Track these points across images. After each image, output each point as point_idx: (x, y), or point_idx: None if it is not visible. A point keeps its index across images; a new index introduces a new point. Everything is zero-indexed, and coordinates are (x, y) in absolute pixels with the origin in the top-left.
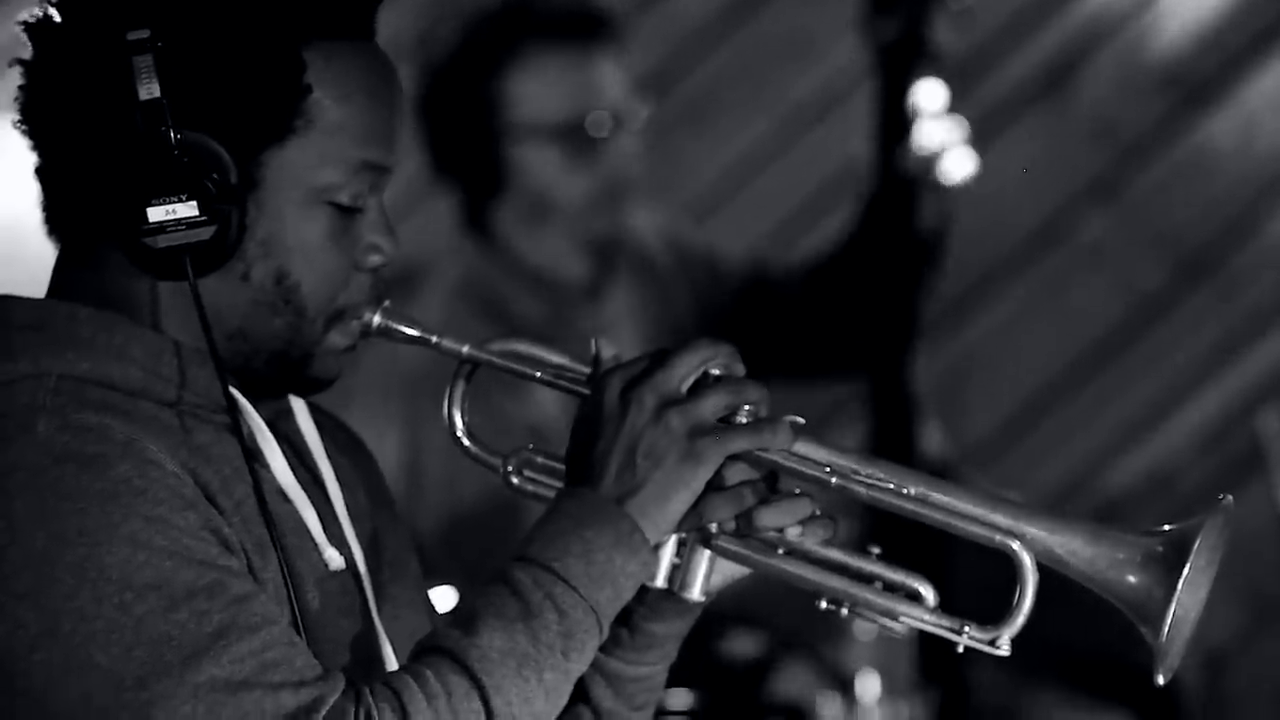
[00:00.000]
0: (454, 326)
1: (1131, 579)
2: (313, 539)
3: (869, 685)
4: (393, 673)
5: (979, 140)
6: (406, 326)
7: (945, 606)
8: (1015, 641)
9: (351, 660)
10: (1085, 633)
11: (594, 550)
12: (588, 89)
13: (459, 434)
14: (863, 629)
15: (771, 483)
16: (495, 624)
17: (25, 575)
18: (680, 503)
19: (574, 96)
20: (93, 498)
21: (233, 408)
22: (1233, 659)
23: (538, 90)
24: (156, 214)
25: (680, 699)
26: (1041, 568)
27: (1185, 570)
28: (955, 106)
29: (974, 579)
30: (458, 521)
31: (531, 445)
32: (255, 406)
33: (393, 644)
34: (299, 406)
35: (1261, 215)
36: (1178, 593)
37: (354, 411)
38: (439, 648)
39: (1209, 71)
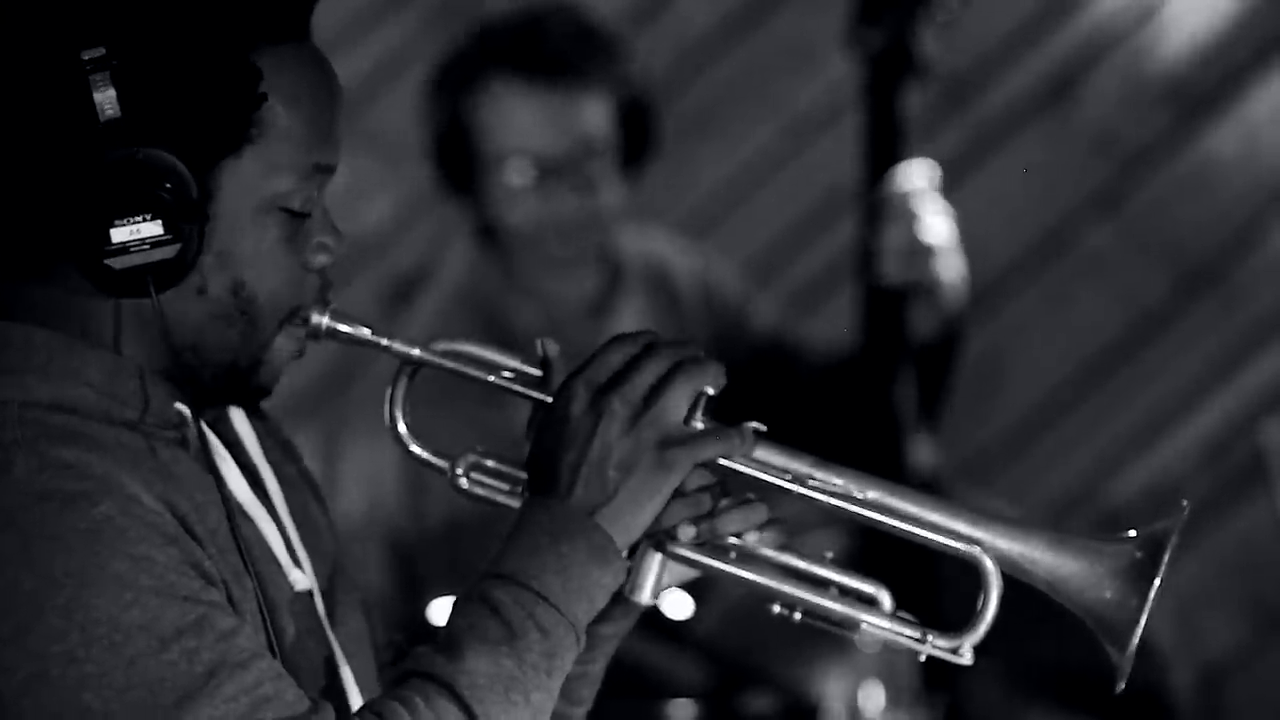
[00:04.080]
0: (449, 332)
1: (1098, 591)
2: (278, 561)
3: (873, 696)
4: (379, 699)
5: (981, 152)
6: (353, 328)
7: (933, 623)
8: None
9: (322, 682)
10: (1081, 640)
11: (570, 565)
12: (556, 124)
13: (402, 436)
14: (866, 640)
15: (725, 487)
16: (480, 648)
17: (12, 618)
18: (650, 511)
19: (540, 130)
20: (77, 538)
21: (197, 428)
22: (1233, 672)
23: (504, 121)
24: (120, 235)
25: (684, 710)
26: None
27: (1155, 583)
28: (957, 119)
29: (962, 595)
30: (459, 535)
31: (480, 448)
32: (195, 414)
33: (345, 653)
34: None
35: (1264, 228)
36: (1149, 603)
37: (356, 423)
38: (425, 673)
39: (1211, 84)
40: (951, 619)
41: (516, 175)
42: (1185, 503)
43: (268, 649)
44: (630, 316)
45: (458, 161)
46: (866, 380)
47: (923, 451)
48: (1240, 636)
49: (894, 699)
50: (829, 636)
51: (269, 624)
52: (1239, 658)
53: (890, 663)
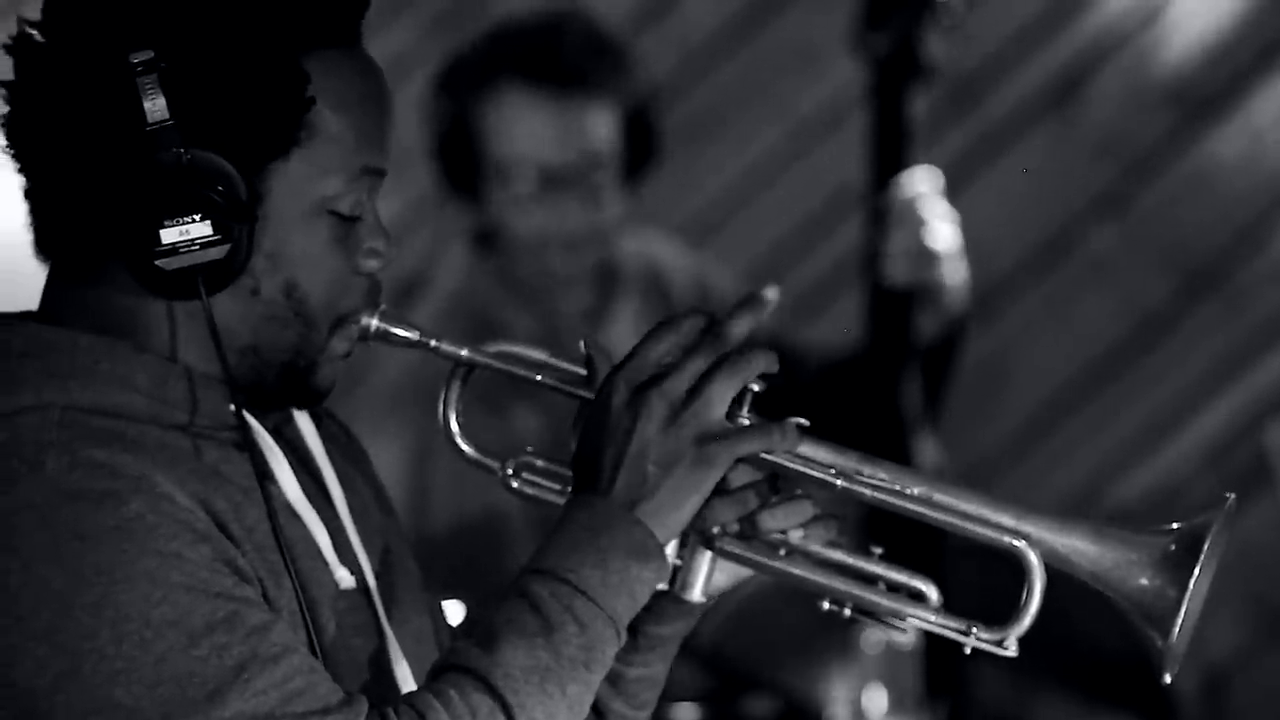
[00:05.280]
0: (451, 335)
1: (1140, 579)
2: (324, 559)
3: (876, 699)
4: (415, 693)
5: (986, 155)
6: (404, 330)
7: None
8: (1020, 652)
9: (367, 678)
10: (1086, 644)
11: (610, 560)
12: (562, 134)
13: (456, 437)
14: (870, 642)
15: (773, 484)
16: (516, 640)
17: (42, 616)
18: (690, 507)
19: (546, 140)
20: (106, 536)
21: (244, 428)
22: (1236, 672)
23: (510, 128)
24: (170, 235)
25: (686, 713)
26: (1049, 569)
27: (1196, 571)
28: (962, 121)
29: (969, 587)
30: (464, 532)
31: (530, 449)
32: (260, 418)
33: (402, 651)
34: (300, 410)
35: (1267, 230)
36: (1189, 593)
37: (360, 423)
38: (461, 666)
39: (1215, 86)
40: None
41: (521, 183)
42: (1230, 495)
43: (306, 645)
44: (626, 322)
45: (461, 164)
46: (872, 381)
47: (928, 452)
48: (1243, 638)
49: (897, 702)
50: (832, 640)
51: (308, 620)
52: (1242, 659)
53: (893, 665)
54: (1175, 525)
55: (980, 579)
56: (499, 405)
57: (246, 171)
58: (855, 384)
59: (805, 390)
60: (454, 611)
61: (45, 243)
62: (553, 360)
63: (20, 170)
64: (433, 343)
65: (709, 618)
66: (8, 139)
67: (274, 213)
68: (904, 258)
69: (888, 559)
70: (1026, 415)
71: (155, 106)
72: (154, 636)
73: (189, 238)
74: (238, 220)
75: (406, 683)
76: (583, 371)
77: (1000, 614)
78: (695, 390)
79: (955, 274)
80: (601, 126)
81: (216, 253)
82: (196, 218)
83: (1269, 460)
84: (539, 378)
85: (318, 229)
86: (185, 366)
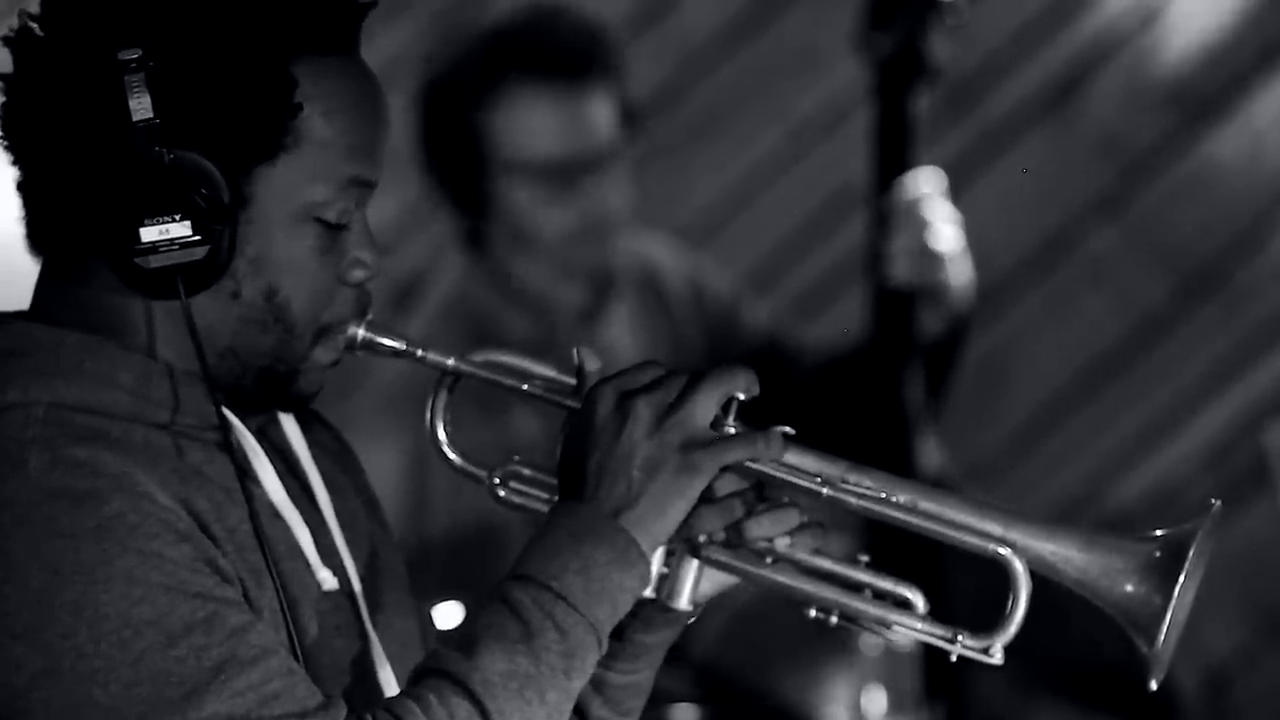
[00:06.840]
0: (438, 344)
1: (1126, 586)
2: (306, 560)
3: (875, 700)
4: (394, 697)
5: (985, 155)
6: (390, 340)
7: (941, 619)
8: (1019, 655)
9: (349, 680)
10: (1085, 645)
11: (592, 566)
12: (573, 126)
13: (443, 446)
14: (869, 644)
15: (759, 492)
16: (496, 646)
17: (22, 614)
18: (675, 515)
19: (558, 133)
20: (87, 535)
21: (225, 428)
22: (1236, 674)
23: (521, 126)
24: (149, 234)
25: (686, 715)
26: (1035, 576)
27: (1181, 578)
28: (961, 122)
29: (971, 593)
30: (463, 537)
31: (518, 458)
32: (244, 419)
33: (387, 654)
34: (285, 413)
35: (1266, 230)
36: (1174, 599)
37: (358, 427)
38: (440, 670)
39: (1214, 87)
40: (963, 621)
41: (531, 180)
42: (1216, 501)
43: (286, 646)
44: (621, 323)
45: (465, 168)
46: (874, 381)
47: (930, 451)
48: (1244, 639)
49: (895, 703)
50: (831, 642)
51: (288, 620)
52: (1243, 660)
53: (892, 667)
54: (1161, 532)
55: (980, 584)
56: (497, 408)
57: (231, 174)
58: (856, 380)
59: (806, 385)
60: (453, 614)
61: (37, 238)
62: (540, 369)
63: (14, 163)
64: (419, 353)
65: (706, 621)
66: (3, 130)
67: (258, 217)
68: (907, 259)
69: (874, 566)
70: (1025, 415)
71: (140, 105)
72: (133, 636)
73: (168, 237)
74: (218, 222)
75: (390, 686)
76: (571, 381)
77: (998, 621)
78: (680, 398)
79: (959, 275)
80: (605, 117)
81: (196, 253)
82: (176, 217)
83: (1268, 461)
84: (526, 387)
85: (302, 236)
86: (169, 366)
